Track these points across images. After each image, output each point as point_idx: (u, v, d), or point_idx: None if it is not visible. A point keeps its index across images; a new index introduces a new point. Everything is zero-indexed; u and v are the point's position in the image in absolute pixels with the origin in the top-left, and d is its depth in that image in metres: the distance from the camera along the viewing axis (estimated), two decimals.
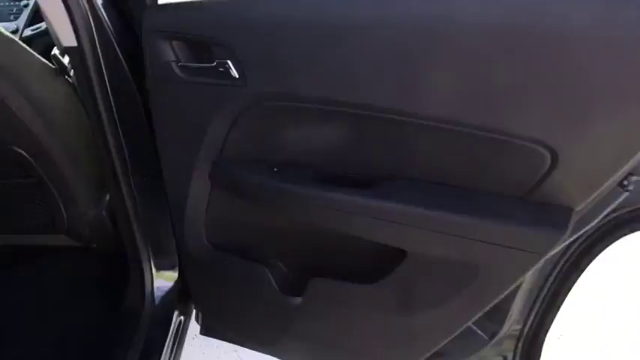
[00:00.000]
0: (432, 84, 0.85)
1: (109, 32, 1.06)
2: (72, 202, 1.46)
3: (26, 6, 1.83)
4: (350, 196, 0.99)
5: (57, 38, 1.11)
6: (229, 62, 0.98)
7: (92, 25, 1.05)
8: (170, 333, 1.44)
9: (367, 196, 0.98)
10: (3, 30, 1.16)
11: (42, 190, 1.42)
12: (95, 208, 1.52)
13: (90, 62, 1.08)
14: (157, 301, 1.49)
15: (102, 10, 1.05)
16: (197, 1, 1.01)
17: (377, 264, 1.08)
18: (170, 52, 1.04)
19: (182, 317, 1.57)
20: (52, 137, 1.30)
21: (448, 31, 0.79)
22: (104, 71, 1.11)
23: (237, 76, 0.99)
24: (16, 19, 1.81)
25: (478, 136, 0.85)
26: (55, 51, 1.27)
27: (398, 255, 1.03)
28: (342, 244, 1.09)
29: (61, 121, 1.32)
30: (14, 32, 1.77)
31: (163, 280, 1.50)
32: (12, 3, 1.86)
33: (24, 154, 1.30)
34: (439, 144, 0.93)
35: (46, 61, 1.28)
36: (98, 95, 1.12)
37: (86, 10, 1.01)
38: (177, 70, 1.04)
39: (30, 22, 1.81)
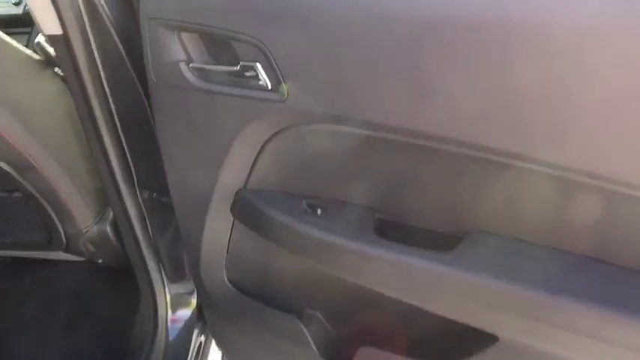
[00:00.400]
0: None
1: (105, 17, 0.84)
2: (69, 218, 1.22)
3: None
4: (424, 261, 0.70)
5: (38, 23, 0.85)
6: (259, 66, 0.69)
7: (81, 7, 0.78)
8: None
9: (448, 264, 0.69)
10: None
11: (32, 205, 1.18)
12: (97, 223, 1.27)
13: (80, 54, 0.83)
14: (172, 334, 1.26)
15: None
16: None
17: (452, 341, 0.80)
18: (178, 49, 0.75)
19: (202, 338, 1.36)
20: (38, 145, 1.04)
21: None
22: (99, 65, 0.84)
23: (269, 87, 0.70)
24: None
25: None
26: (40, 38, 1.00)
27: (484, 336, 0.75)
28: (407, 309, 0.80)
29: (48, 125, 1.06)
30: (17, 4, 1.51)
31: (181, 309, 1.28)
32: None
33: (3, 166, 1.05)
34: (563, 194, 0.63)
35: (30, 52, 1.01)
36: (92, 94, 0.88)
37: None
38: (187, 74, 0.76)
39: None
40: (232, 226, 0.94)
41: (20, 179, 1.09)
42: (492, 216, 0.69)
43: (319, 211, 0.79)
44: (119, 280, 1.40)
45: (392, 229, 0.75)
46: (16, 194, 1.16)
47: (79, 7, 0.81)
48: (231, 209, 0.89)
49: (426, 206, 0.74)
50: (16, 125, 0.98)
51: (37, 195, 1.15)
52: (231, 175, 0.83)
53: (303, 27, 0.65)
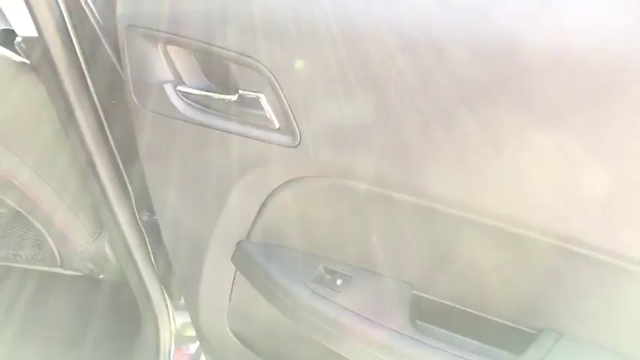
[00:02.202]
0: None
1: (90, 16, 0.69)
2: (61, 237, 1.08)
3: None
4: None
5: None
6: (263, 99, 0.51)
7: (61, 5, 0.62)
8: None
9: None
10: None
11: (20, 221, 1.04)
12: (95, 241, 1.13)
13: (59, 60, 0.71)
14: None
15: None
16: None
17: None
18: (164, 67, 0.57)
19: None
20: (17, 160, 0.89)
21: None
22: (84, 72, 0.69)
23: (276, 125, 0.51)
24: None
25: None
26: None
27: None
28: None
29: (30, 138, 0.90)
30: None
31: (186, 342, 1.16)
32: None
33: None
34: None
35: (9, 53, 0.85)
36: (75, 105, 0.75)
37: None
38: (175, 99, 0.58)
39: None
40: (235, 275, 0.77)
41: (7, 198, 0.95)
42: (577, 316, 0.50)
43: (339, 282, 0.60)
44: (122, 294, 1.28)
45: (434, 313, 0.56)
46: (4, 210, 1.03)
47: (57, 4, 0.64)
48: (233, 260, 0.72)
49: (479, 289, 0.55)
50: (4, 147, 0.84)
51: (23, 212, 1.01)
52: (231, 225, 0.66)
53: (320, 52, 0.46)
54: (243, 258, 0.69)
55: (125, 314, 1.25)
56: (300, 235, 0.62)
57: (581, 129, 0.39)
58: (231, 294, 0.81)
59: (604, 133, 0.39)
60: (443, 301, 0.56)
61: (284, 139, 0.52)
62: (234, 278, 0.78)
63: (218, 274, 0.78)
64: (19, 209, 1.00)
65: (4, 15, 0.83)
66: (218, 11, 0.51)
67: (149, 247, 0.99)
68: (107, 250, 1.15)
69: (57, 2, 0.67)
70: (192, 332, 1.16)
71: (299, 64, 0.48)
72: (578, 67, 0.38)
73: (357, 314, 0.57)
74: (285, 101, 0.49)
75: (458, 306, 0.56)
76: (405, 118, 0.45)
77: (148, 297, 1.06)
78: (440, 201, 0.48)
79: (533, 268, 0.49)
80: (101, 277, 1.30)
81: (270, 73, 0.49)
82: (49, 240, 1.10)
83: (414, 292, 0.57)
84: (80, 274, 1.29)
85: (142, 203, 0.92)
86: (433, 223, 0.52)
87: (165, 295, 1.08)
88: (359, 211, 0.55)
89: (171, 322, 1.12)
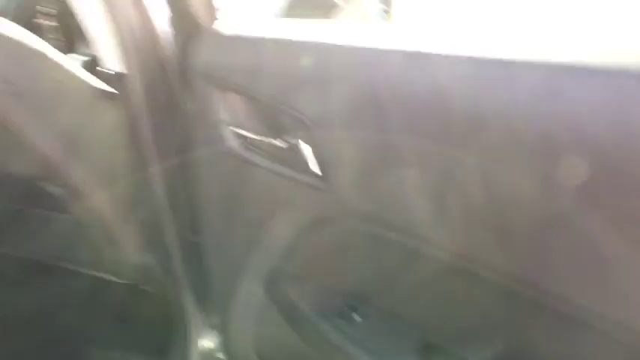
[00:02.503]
0: None
1: (169, 59, 0.78)
2: (114, 246, 1.18)
3: None
4: None
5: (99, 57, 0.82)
6: (302, 145, 0.58)
7: (145, 46, 0.74)
8: None
9: None
10: (34, 44, 0.86)
11: (79, 227, 1.15)
12: (144, 255, 1.22)
13: (138, 97, 0.82)
14: None
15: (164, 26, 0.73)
16: (274, 38, 0.62)
17: None
18: (223, 109, 0.66)
19: None
20: (89, 173, 1.00)
21: None
22: (157, 107, 0.79)
23: (312, 170, 0.59)
24: None
25: None
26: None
27: None
28: None
29: (102, 154, 1.01)
30: None
31: None
32: None
33: (54, 189, 1.03)
34: None
35: (90, 80, 0.97)
36: (146, 136, 0.81)
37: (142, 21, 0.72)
38: (229, 137, 0.66)
39: None
40: (265, 301, 0.84)
41: (70, 203, 1.06)
42: None
43: (358, 318, 0.66)
44: (159, 307, 1.35)
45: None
46: (65, 215, 1.14)
47: (143, 46, 0.75)
48: (264, 287, 0.78)
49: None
50: (69, 152, 0.95)
51: (86, 220, 1.12)
52: (267, 252, 0.73)
53: (358, 112, 0.53)
54: (273, 286, 0.76)
55: (159, 328, 1.33)
56: (326, 271, 0.68)
57: None
58: (260, 319, 0.87)
59: None
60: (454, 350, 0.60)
61: (318, 182, 0.59)
62: (264, 305, 0.85)
63: (250, 299, 0.84)
64: (83, 216, 1.11)
65: (93, 45, 0.93)
66: (271, 69, 0.60)
67: (191, 266, 1.07)
68: (153, 263, 1.24)
69: (142, 44, 0.78)
70: (221, 354, 1.22)
71: (336, 118, 0.55)
72: None
73: (372, 350, 0.62)
74: (321, 149, 0.57)
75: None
76: (436, 182, 0.51)
77: (183, 313, 1.13)
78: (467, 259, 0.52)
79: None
80: (143, 288, 1.39)
81: (311, 123, 0.56)
82: (104, 247, 1.21)
83: (425, 337, 0.62)
84: (124, 282, 1.39)
85: (191, 225, 1.01)
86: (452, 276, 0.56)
87: (200, 314, 1.15)
88: (380, 256, 0.60)
89: (202, 341, 1.18)
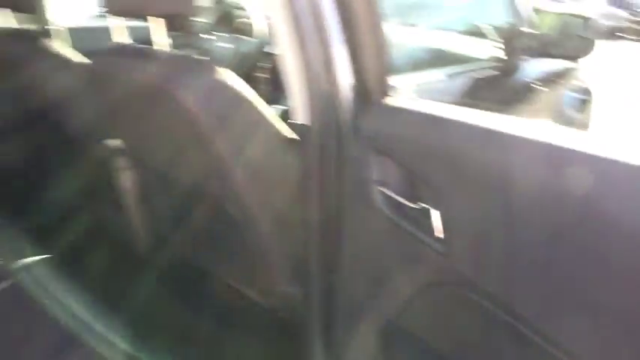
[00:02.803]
0: None
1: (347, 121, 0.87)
2: (265, 270, 1.33)
3: None
4: None
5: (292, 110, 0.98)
6: (435, 213, 0.65)
7: (334, 103, 0.86)
8: None
9: None
10: (237, 85, 1.07)
11: (245, 249, 1.33)
12: (290, 285, 1.35)
13: (316, 151, 0.92)
14: None
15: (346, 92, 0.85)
16: (431, 117, 0.71)
17: None
18: (376, 170, 0.77)
19: None
20: (262, 205, 1.17)
21: None
22: (332, 161, 0.90)
23: (435, 234, 0.65)
24: None
25: None
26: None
27: None
28: None
29: (277, 192, 1.18)
30: None
31: None
32: None
33: (233, 213, 1.22)
34: None
35: (281, 127, 1.16)
36: (314, 178, 0.93)
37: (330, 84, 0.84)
38: (376, 196, 0.76)
39: None
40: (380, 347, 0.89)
41: (242, 225, 1.24)
42: None
43: None
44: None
45: None
46: (237, 234, 1.33)
47: (326, 105, 0.88)
48: (380, 334, 0.85)
49: None
50: (251, 182, 1.12)
51: (249, 243, 1.29)
52: (387, 304, 0.80)
53: (485, 196, 0.59)
54: (385, 335, 0.82)
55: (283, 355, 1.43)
56: (433, 333, 0.72)
57: None
58: None
59: None
60: None
61: (440, 247, 0.65)
62: (376, 354, 0.90)
63: (365, 345, 0.91)
64: (250, 238, 1.29)
65: (290, 98, 1.10)
66: (424, 142, 0.69)
67: (324, 302, 1.15)
68: (294, 293, 1.36)
69: (326, 103, 0.92)
70: None
71: (465, 190, 0.61)
72: None
73: None
74: (448, 217, 0.63)
75: None
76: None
77: (310, 346, 1.20)
78: None
79: None
80: (282, 315, 1.51)
81: (442, 193, 0.63)
82: (256, 269, 1.37)
83: None
84: (265, 306, 1.53)
85: (331, 264, 1.11)
86: None
87: (324, 351, 1.22)
88: (480, 327, 0.63)
89: None
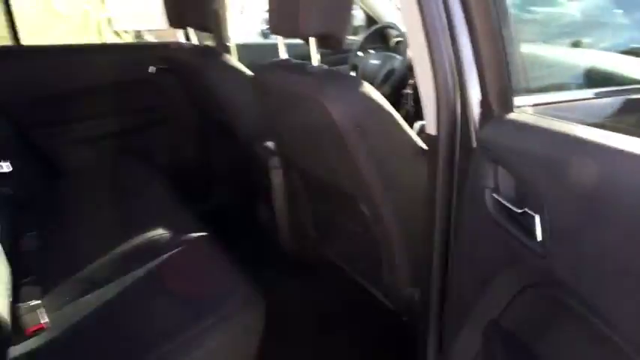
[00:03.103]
0: None
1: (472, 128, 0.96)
2: (391, 272, 1.44)
3: None
4: None
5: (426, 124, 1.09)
6: (537, 218, 0.72)
7: (459, 117, 0.96)
8: None
9: None
10: (378, 98, 1.20)
11: (375, 248, 1.45)
12: (412, 287, 1.45)
13: (441, 160, 1.01)
14: None
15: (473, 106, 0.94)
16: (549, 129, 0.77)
17: None
18: (491, 178, 0.84)
19: None
20: (392, 211, 1.29)
21: None
22: (454, 170, 1.00)
23: (539, 239, 0.71)
24: None
25: None
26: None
27: None
28: None
29: (406, 200, 1.29)
30: None
31: None
32: None
33: (366, 212, 1.35)
34: None
35: (414, 138, 1.26)
36: (439, 196, 1.03)
37: (456, 100, 0.94)
38: (488, 201, 0.84)
39: None
40: (480, 353, 0.95)
41: (373, 228, 1.37)
42: None
43: None
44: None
45: None
46: (367, 233, 1.46)
47: (452, 119, 0.98)
48: (482, 334, 0.91)
49: None
50: (383, 184, 1.25)
51: (379, 243, 1.41)
52: (489, 304, 0.86)
53: (583, 205, 0.64)
54: (487, 336, 0.88)
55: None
56: (529, 333, 0.77)
57: None
58: None
59: None
60: None
61: (538, 247, 0.71)
62: (480, 351, 0.96)
63: (472, 344, 0.97)
64: (379, 239, 1.41)
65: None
66: (539, 155, 0.75)
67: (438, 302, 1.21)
68: (416, 299, 1.44)
69: (453, 117, 1.00)
70: None
71: (565, 199, 0.67)
72: None
73: None
74: (547, 221, 0.69)
75: None
76: None
77: (425, 347, 1.28)
78: None
79: None
80: (404, 319, 1.60)
81: (544, 200, 0.69)
82: (386, 272, 1.48)
83: None
84: (390, 308, 1.63)
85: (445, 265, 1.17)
86: None
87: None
88: (570, 332, 0.68)
89: None
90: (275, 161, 1.85)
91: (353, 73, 2.60)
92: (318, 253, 1.84)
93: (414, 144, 1.26)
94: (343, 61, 2.73)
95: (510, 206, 0.78)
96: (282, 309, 1.83)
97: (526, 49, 1.25)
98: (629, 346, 0.60)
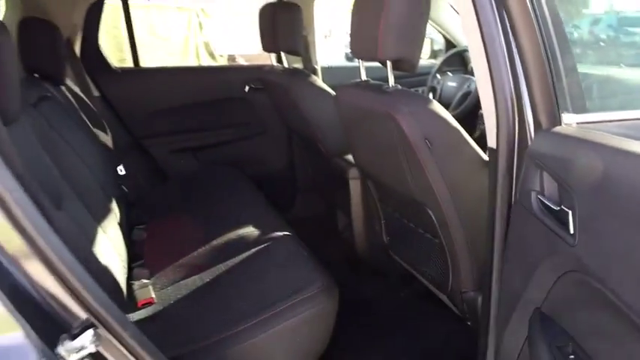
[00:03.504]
0: None
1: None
2: (456, 275, 1.56)
3: None
4: None
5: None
6: (571, 213, 0.85)
7: (515, 131, 1.09)
8: None
9: None
10: (445, 115, 1.35)
11: (441, 252, 1.58)
12: (474, 291, 1.56)
13: (500, 169, 1.14)
14: None
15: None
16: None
17: None
18: (537, 182, 0.98)
19: None
20: (457, 217, 1.42)
21: None
22: (514, 182, 1.12)
23: (572, 231, 0.84)
24: None
25: None
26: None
27: None
28: None
29: (470, 207, 1.42)
30: None
31: None
32: None
33: (432, 217, 1.49)
34: None
35: (479, 152, 1.39)
36: (499, 202, 1.16)
37: (513, 116, 1.07)
38: (534, 202, 0.98)
39: None
40: (525, 340, 1.06)
41: (439, 232, 1.51)
42: None
43: None
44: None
45: None
46: (433, 238, 1.59)
47: (514, 130, 1.10)
48: (529, 322, 1.03)
49: None
50: (448, 191, 1.39)
51: (444, 247, 1.54)
52: (534, 293, 0.99)
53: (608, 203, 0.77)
54: (533, 323, 1.00)
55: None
56: (568, 320, 0.89)
57: None
58: (521, 350, 1.10)
59: None
60: None
61: (570, 239, 0.83)
62: (525, 340, 1.07)
63: (516, 330, 1.08)
64: (444, 244, 1.54)
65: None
66: (567, 162, 0.88)
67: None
68: (479, 302, 1.54)
69: (509, 132, 1.13)
70: None
71: (594, 198, 0.80)
72: None
73: None
74: (577, 216, 0.82)
75: None
76: None
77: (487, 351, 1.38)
78: None
79: None
80: (468, 323, 1.70)
81: (577, 198, 0.82)
82: (450, 274, 1.60)
83: None
84: (456, 312, 1.73)
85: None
86: None
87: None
88: (596, 313, 0.79)
89: None
90: (354, 172, 2.04)
91: (431, 95, 2.75)
92: (390, 259, 1.99)
93: (478, 156, 1.39)
94: (422, 83, 2.89)
95: (550, 204, 0.91)
96: (353, 308, 1.99)
97: (587, 69, 1.35)
98: None
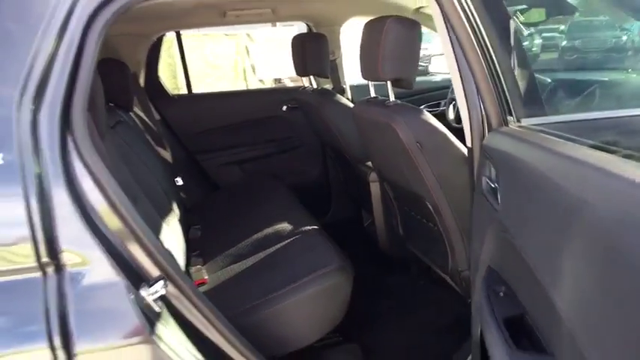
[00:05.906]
0: None
1: None
2: (454, 256, 1.87)
3: None
4: None
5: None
6: (498, 188, 1.17)
7: (485, 133, 1.42)
8: None
9: None
10: (433, 122, 1.69)
11: (440, 238, 1.90)
12: (468, 269, 1.86)
13: (475, 164, 1.47)
14: None
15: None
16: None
17: None
18: (486, 169, 1.30)
19: None
20: (447, 205, 1.75)
21: None
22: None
23: (499, 202, 1.17)
24: None
25: None
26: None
27: None
28: None
29: (458, 197, 1.74)
30: None
31: None
32: None
33: (430, 207, 1.82)
34: None
35: (463, 150, 1.71)
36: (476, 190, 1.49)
37: (482, 121, 1.40)
38: (484, 184, 1.31)
39: None
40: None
41: (436, 219, 1.83)
42: None
43: None
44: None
45: None
46: (433, 226, 1.92)
47: (476, 130, 1.44)
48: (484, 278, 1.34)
49: None
50: (437, 188, 1.72)
51: (442, 232, 1.86)
52: (486, 254, 1.30)
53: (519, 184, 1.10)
54: (483, 277, 1.31)
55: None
56: (503, 269, 1.21)
57: None
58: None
59: None
60: None
61: (498, 207, 1.16)
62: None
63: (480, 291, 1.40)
64: (442, 230, 1.85)
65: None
66: (500, 153, 1.20)
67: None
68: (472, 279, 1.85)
69: (478, 132, 1.47)
70: None
71: (511, 180, 1.12)
72: None
73: None
74: (499, 190, 1.14)
75: None
76: None
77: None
78: None
79: None
80: (469, 301, 2.00)
81: (501, 176, 1.15)
82: (449, 256, 1.92)
83: None
84: (457, 290, 2.03)
85: None
86: None
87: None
88: (515, 262, 1.11)
89: None
90: (374, 176, 2.39)
91: (451, 107, 3.06)
92: (408, 251, 2.31)
93: (462, 153, 1.73)
94: (444, 96, 3.21)
95: (491, 184, 1.24)
96: (376, 294, 2.31)
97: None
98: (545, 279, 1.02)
